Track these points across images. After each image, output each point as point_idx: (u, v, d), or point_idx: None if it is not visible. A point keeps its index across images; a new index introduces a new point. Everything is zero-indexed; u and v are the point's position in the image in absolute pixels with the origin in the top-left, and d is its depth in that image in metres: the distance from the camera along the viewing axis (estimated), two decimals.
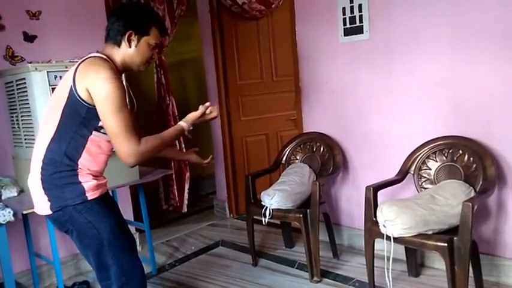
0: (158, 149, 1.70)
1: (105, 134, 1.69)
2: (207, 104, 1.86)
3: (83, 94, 1.60)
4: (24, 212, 2.32)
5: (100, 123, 1.66)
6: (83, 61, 1.65)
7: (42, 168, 1.67)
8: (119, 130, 1.58)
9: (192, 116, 1.82)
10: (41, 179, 1.67)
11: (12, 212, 2.29)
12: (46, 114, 1.74)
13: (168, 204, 4.27)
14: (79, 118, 1.63)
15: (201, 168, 5.06)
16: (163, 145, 1.71)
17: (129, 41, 1.72)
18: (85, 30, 3.07)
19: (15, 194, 2.58)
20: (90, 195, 1.67)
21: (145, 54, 1.77)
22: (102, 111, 1.59)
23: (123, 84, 1.64)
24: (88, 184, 1.67)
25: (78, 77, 1.61)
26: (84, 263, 3.10)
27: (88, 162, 1.68)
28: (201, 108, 1.84)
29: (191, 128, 1.80)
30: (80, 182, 1.66)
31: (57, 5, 3.01)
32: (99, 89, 1.57)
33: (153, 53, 1.81)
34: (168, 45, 4.01)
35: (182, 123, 1.78)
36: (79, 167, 1.66)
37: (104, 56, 1.69)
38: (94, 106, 1.61)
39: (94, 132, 1.67)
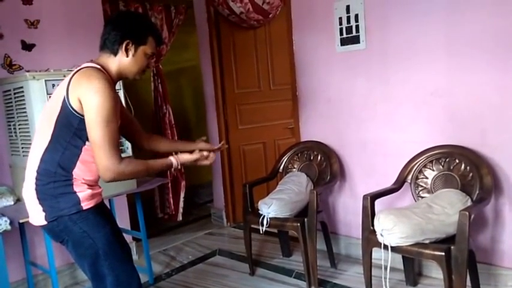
0: (139, 175, 1.73)
1: None
2: (205, 153, 1.88)
3: (75, 105, 1.59)
4: (21, 221, 2.31)
5: None
6: (77, 71, 1.65)
7: (36, 179, 1.66)
8: (103, 143, 1.57)
9: (186, 157, 1.84)
10: (36, 189, 1.66)
11: (8, 221, 2.28)
12: (40, 124, 1.74)
13: (164, 213, 4.26)
14: (72, 129, 1.62)
15: (198, 177, 5.08)
16: (146, 172, 1.73)
17: (126, 50, 1.71)
18: (83, 39, 3.08)
19: (12, 203, 2.57)
20: (85, 205, 1.66)
21: (142, 63, 1.77)
22: (90, 121, 1.58)
23: (116, 96, 1.63)
24: (83, 194, 1.66)
25: (72, 88, 1.60)
26: (81, 273, 3.07)
27: (82, 172, 1.67)
28: (196, 154, 1.86)
29: (179, 167, 1.82)
30: (75, 192, 1.65)
31: (56, 14, 3.03)
32: (90, 100, 1.56)
33: (149, 62, 1.82)
34: (166, 54, 4.03)
35: (173, 160, 1.79)
36: (74, 176, 1.66)
37: (98, 66, 1.68)
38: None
39: (88, 143, 1.65)
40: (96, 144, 1.58)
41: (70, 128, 1.62)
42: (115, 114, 1.60)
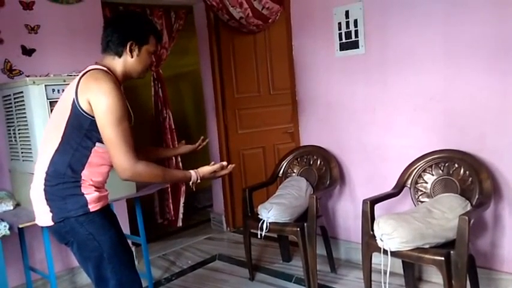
0: (156, 179, 1.73)
1: None
2: (224, 163, 1.88)
3: (85, 107, 1.62)
4: (20, 226, 2.31)
5: None
6: (84, 74, 1.68)
7: (45, 180, 1.67)
8: (117, 142, 1.60)
9: (205, 169, 1.83)
10: (44, 190, 1.67)
11: (7, 226, 2.28)
12: (49, 127, 1.76)
13: (163, 218, 4.25)
14: (83, 130, 1.65)
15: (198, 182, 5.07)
16: (163, 179, 1.74)
17: (131, 51, 1.74)
18: (83, 44, 3.09)
19: (11, 208, 2.57)
20: (92, 207, 1.67)
21: (146, 61, 1.81)
22: (102, 122, 1.61)
23: (124, 97, 1.66)
24: (90, 196, 1.67)
25: (80, 91, 1.63)
26: (80, 278, 3.07)
27: (91, 173, 1.69)
28: (216, 165, 1.85)
29: (199, 181, 1.81)
30: (83, 194, 1.66)
31: (56, 19, 3.03)
32: (100, 101, 1.59)
33: (151, 60, 1.85)
34: (166, 59, 4.04)
35: (193, 173, 1.80)
36: (82, 178, 1.67)
37: (105, 69, 1.71)
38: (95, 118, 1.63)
39: (97, 144, 1.68)
40: (111, 144, 1.61)
41: (80, 130, 1.65)
42: (125, 114, 1.64)
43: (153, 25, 1.86)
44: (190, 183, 1.81)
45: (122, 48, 1.73)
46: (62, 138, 1.66)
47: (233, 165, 1.91)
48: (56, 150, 1.66)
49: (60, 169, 1.65)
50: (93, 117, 1.63)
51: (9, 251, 2.70)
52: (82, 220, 1.66)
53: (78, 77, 1.69)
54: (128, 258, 1.80)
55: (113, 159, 1.63)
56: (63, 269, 3.05)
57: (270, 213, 2.77)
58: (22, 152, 2.60)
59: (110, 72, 1.71)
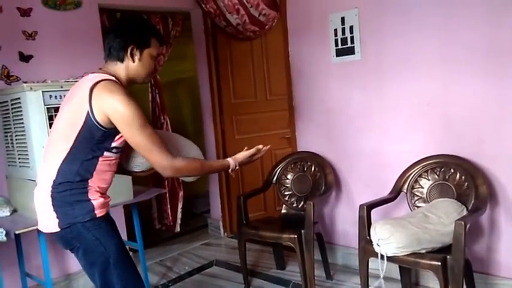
0: (195, 172, 1.80)
1: (115, 153, 1.73)
2: (260, 146, 1.93)
3: (100, 118, 1.62)
4: (17, 232, 2.31)
5: (113, 144, 1.69)
6: (95, 85, 1.64)
7: (52, 187, 1.67)
8: (150, 146, 1.65)
9: (242, 155, 1.89)
10: (51, 196, 1.67)
11: (4, 232, 2.27)
12: (55, 135, 1.73)
13: (161, 224, 4.25)
14: (93, 141, 1.65)
15: (195, 186, 5.08)
16: (202, 171, 1.81)
17: (132, 56, 1.74)
18: (81, 51, 3.10)
19: (8, 214, 2.57)
20: (99, 213, 1.69)
21: (150, 66, 1.80)
22: (129, 133, 1.64)
23: (139, 104, 1.66)
24: (97, 202, 1.69)
25: (95, 102, 1.62)
26: (77, 284, 3.06)
27: (98, 180, 1.70)
28: (252, 149, 1.91)
29: (237, 167, 1.86)
30: (90, 200, 1.67)
31: (53, 25, 3.04)
32: (120, 113, 1.61)
33: (155, 64, 1.85)
34: (163, 65, 4.05)
35: (230, 160, 1.85)
36: (89, 184, 1.68)
37: (113, 78, 1.70)
38: (109, 129, 1.64)
39: (105, 152, 1.69)
40: (145, 150, 1.66)
41: (91, 141, 1.65)
42: (146, 119, 1.67)
43: (153, 28, 1.85)
44: (230, 170, 1.85)
45: (122, 53, 1.73)
46: (71, 149, 1.65)
47: (268, 146, 1.95)
48: (64, 160, 1.66)
49: (68, 177, 1.66)
50: (106, 128, 1.63)
51: (5, 257, 2.69)
52: (89, 225, 1.67)
53: (87, 88, 1.64)
54: (132, 264, 1.80)
55: (151, 163, 1.69)
56: (59, 275, 3.03)
57: None
58: (19, 158, 2.60)
59: (118, 82, 1.70)
